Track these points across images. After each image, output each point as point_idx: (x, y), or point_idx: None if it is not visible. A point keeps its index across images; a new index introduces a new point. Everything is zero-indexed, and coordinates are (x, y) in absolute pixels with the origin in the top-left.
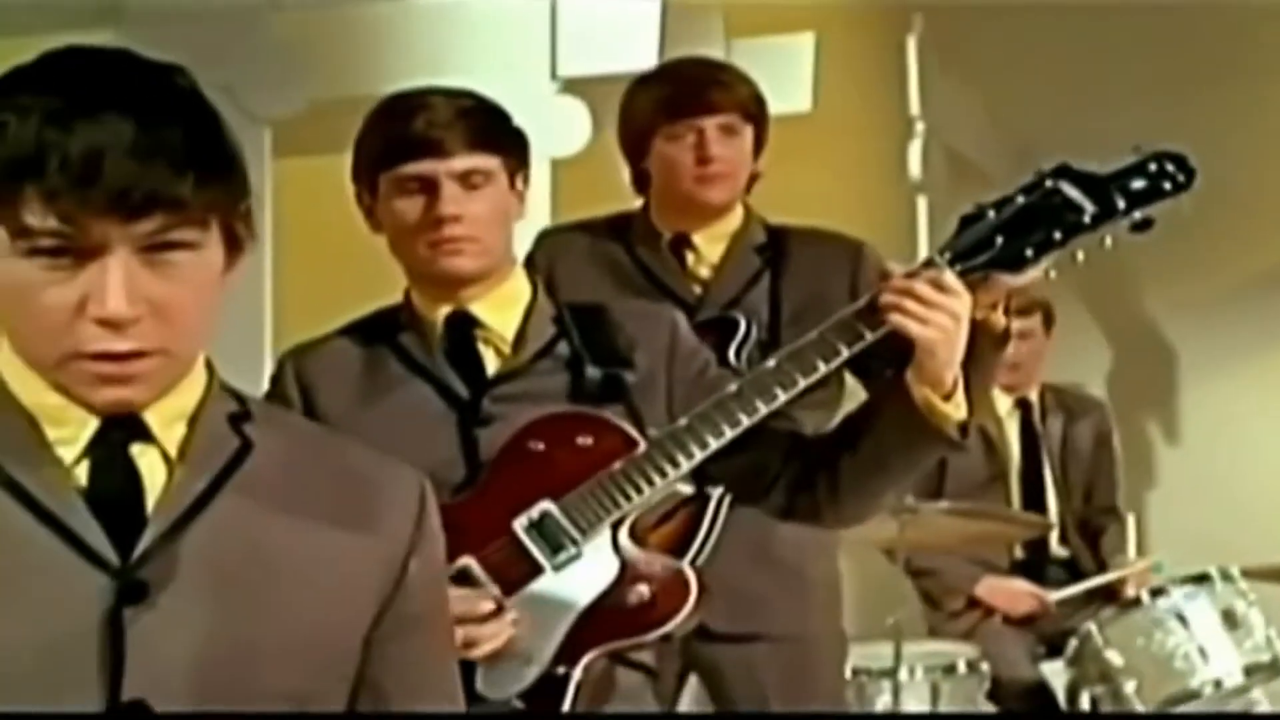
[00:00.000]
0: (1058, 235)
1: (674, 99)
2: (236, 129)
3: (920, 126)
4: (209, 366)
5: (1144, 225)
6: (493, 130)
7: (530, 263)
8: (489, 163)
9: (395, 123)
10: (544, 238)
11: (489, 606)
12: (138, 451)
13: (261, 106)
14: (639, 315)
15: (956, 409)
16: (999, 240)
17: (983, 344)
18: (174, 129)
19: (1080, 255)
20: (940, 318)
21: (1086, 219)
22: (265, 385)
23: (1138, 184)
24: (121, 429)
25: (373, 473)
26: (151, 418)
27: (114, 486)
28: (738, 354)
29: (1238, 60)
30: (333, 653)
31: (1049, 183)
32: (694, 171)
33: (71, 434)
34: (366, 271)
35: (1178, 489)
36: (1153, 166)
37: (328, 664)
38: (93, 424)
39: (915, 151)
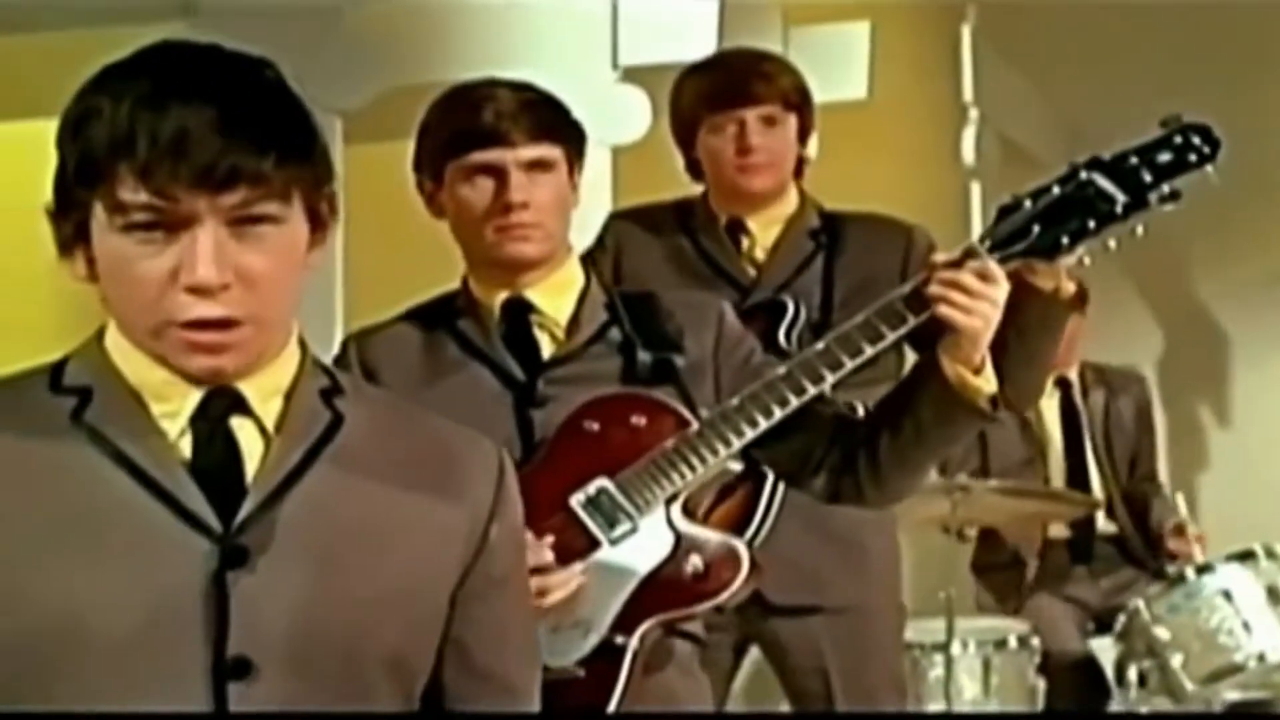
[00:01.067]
0: (1091, 224)
1: (716, 91)
2: None
3: (974, 113)
4: (303, 344)
5: (1172, 197)
6: (555, 121)
7: (600, 244)
8: (552, 152)
9: (462, 114)
10: (612, 221)
11: (550, 557)
12: (237, 425)
13: (332, 97)
14: (687, 304)
15: (986, 383)
16: (1035, 229)
17: (1056, 311)
18: (257, 111)
19: (1113, 243)
20: (984, 306)
21: (1119, 209)
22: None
23: (1164, 157)
24: (221, 402)
25: (455, 442)
26: (249, 392)
27: (215, 458)
28: (787, 336)
29: None
30: (422, 612)
31: (1083, 174)
32: (736, 161)
33: (175, 408)
34: (433, 254)
35: (1228, 470)
36: (1178, 139)
37: (417, 623)
38: (195, 398)
39: (969, 138)
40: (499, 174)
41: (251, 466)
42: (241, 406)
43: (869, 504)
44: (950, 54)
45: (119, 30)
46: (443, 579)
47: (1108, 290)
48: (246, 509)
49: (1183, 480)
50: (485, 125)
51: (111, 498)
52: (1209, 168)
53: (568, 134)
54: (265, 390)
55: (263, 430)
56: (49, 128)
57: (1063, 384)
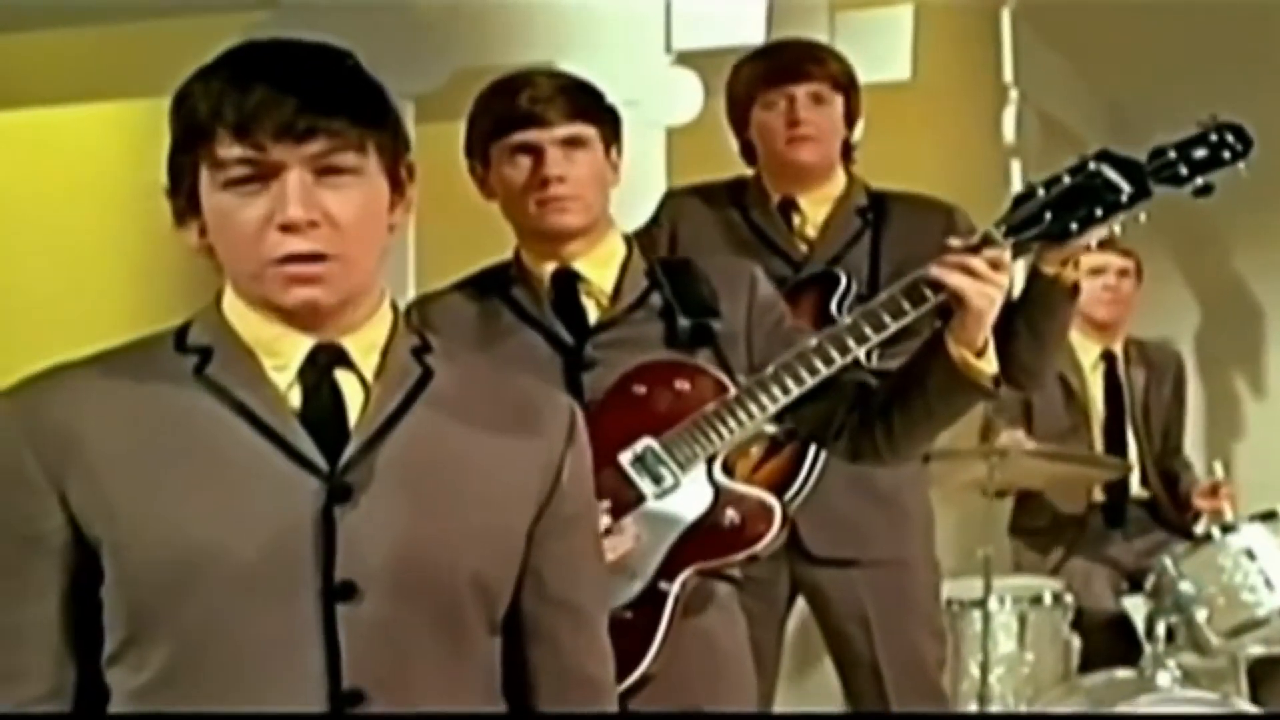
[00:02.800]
0: (1099, 212)
1: (769, 71)
2: None
3: (1014, 93)
4: (394, 307)
5: (1205, 190)
6: (588, 103)
7: (656, 220)
8: (586, 131)
9: (503, 100)
10: (668, 199)
11: (609, 519)
12: (340, 377)
13: (406, 83)
14: (721, 270)
15: (989, 364)
16: (1047, 216)
17: (1057, 297)
18: (332, 82)
19: (1118, 227)
20: (990, 290)
21: (1124, 199)
22: None
23: (1200, 153)
24: (326, 356)
25: (532, 394)
26: (350, 346)
27: (322, 406)
28: (839, 307)
29: None
30: (505, 543)
31: (1092, 165)
32: (785, 134)
33: (285, 361)
34: (499, 226)
35: (1262, 439)
36: (1214, 137)
37: (499, 553)
38: (303, 351)
39: (1010, 117)
40: (537, 152)
41: (353, 413)
42: (344, 360)
43: (885, 463)
44: (991, 35)
45: (202, 19)
46: (521, 515)
47: (1148, 265)
48: (350, 451)
49: (1219, 448)
50: (522, 108)
51: (232, 443)
52: (1241, 164)
53: (600, 115)
54: (364, 346)
55: (363, 381)
56: (152, 106)
57: (1108, 357)
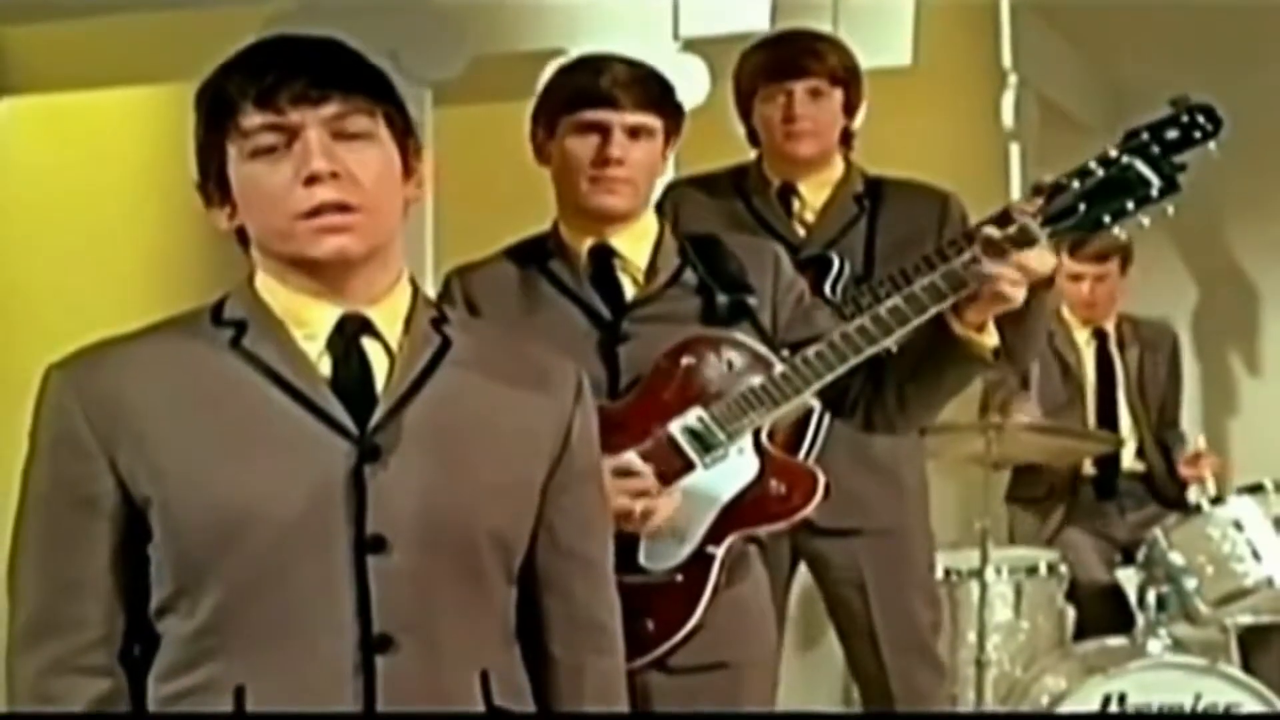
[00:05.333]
0: (1130, 206)
1: (770, 66)
2: (401, 90)
3: (1013, 78)
4: (413, 282)
5: (1179, 169)
6: (660, 96)
7: (659, 209)
8: (653, 122)
9: (583, 76)
10: (671, 187)
11: (654, 483)
12: (367, 345)
13: (423, 69)
14: (746, 247)
15: (990, 337)
16: (1082, 208)
17: (1036, 293)
18: (341, 61)
19: (1146, 221)
20: (1026, 285)
21: (1154, 193)
22: None
23: (1172, 134)
24: (353, 325)
25: (543, 358)
26: (375, 317)
27: (351, 373)
28: (833, 288)
29: None
30: (523, 498)
31: (1125, 159)
32: (783, 128)
33: (314, 331)
34: (514, 204)
35: (1257, 416)
36: (1185, 118)
37: (520, 507)
38: (331, 320)
39: (1008, 101)
40: (604, 132)
41: (380, 379)
42: (369, 329)
43: (897, 433)
44: (991, 21)
45: (233, 9)
46: (536, 471)
47: (1146, 245)
48: (378, 415)
49: (1215, 425)
50: (601, 89)
51: (268, 409)
52: (1211, 144)
53: (669, 110)
54: (387, 317)
55: (387, 350)
56: (174, 92)
57: (1100, 335)
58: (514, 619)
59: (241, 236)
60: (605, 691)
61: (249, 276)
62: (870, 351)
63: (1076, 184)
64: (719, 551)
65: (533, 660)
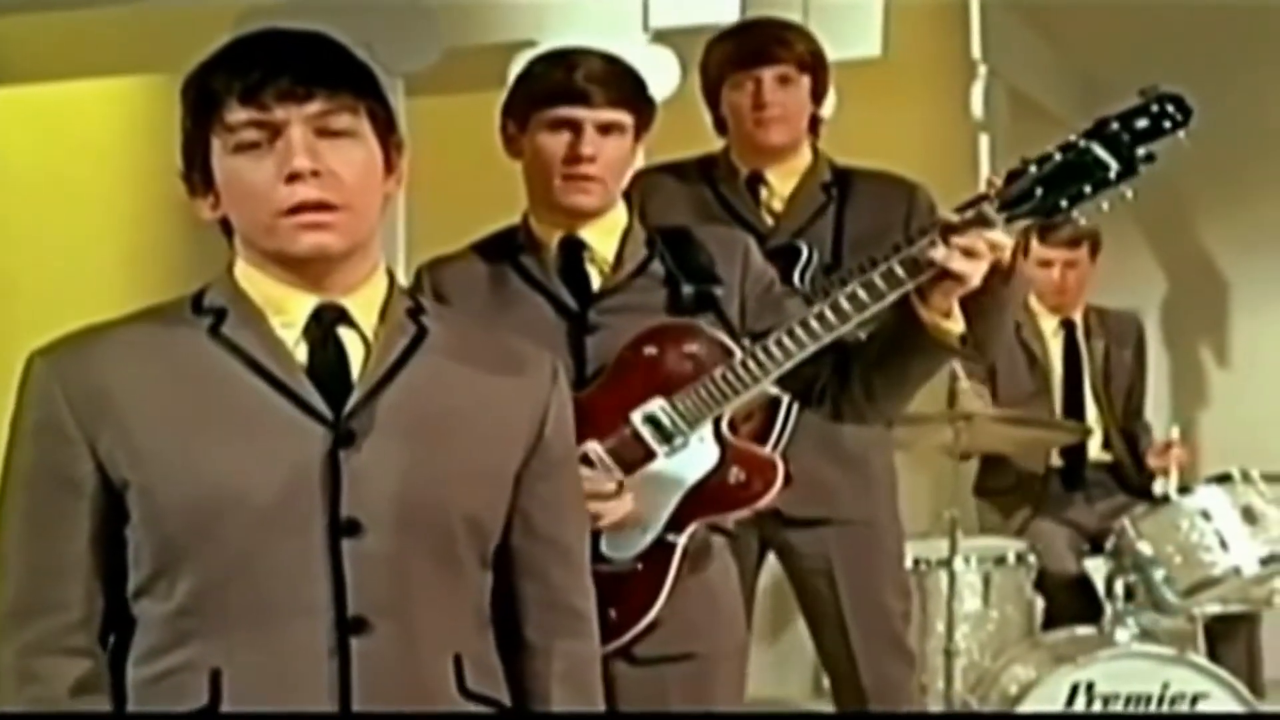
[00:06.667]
0: (1088, 190)
1: (738, 53)
2: None
3: (983, 69)
4: (389, 273)
5: (1148, 159)
6: (633, 92)
7: (627, 198)
8: (625, 118)
9: (557, 71)
10: (639, 175)
11: (613, 486)
12: (343, 334)
13: (396, 61)
14: (716, 238)
15: (956, 324)
16: (1039, 192)
17: (993, 280)
18: (324, 56)
19: (1106, 205)
20: (985, 268)
21: (1112, 176)
22: None
23: (1141, 123)
24: (330, 314)
25: (517, 348)
26: (351, 306)
27: (327, 361)
28: (801, 277)
29: None
30: (496, 484)
31: (1082, 143)
32: (752, 115)
33: (292, 319)
34: (484, 193)
35: (1226, 407)
36: (1155, 107)
37: (493, 493)
38: (308, 309)
39: (978, 92)
40: (576, 128)
41: (355, 367)
42: (345, 318)
43: (866, 422)
44: (960, 12)
45: (210, 1)
46: (511, 458)
47: (1116, 236)
48: (353, 401)
49: (1184, 415)
50: (574, 85)
51: (246, 395)
52: (1181, 134)
53: (640, 105)
54: (364, 306)
55: (363, 338)
56: (151, 83)
57: (1067, 325)
58: (488, 604)
59: (224, 226)
60: (577, 676)
61: (229, 266)
62: (829, 339)
63: (1034, 169)
64: (681, 540)
65: (507, 645)
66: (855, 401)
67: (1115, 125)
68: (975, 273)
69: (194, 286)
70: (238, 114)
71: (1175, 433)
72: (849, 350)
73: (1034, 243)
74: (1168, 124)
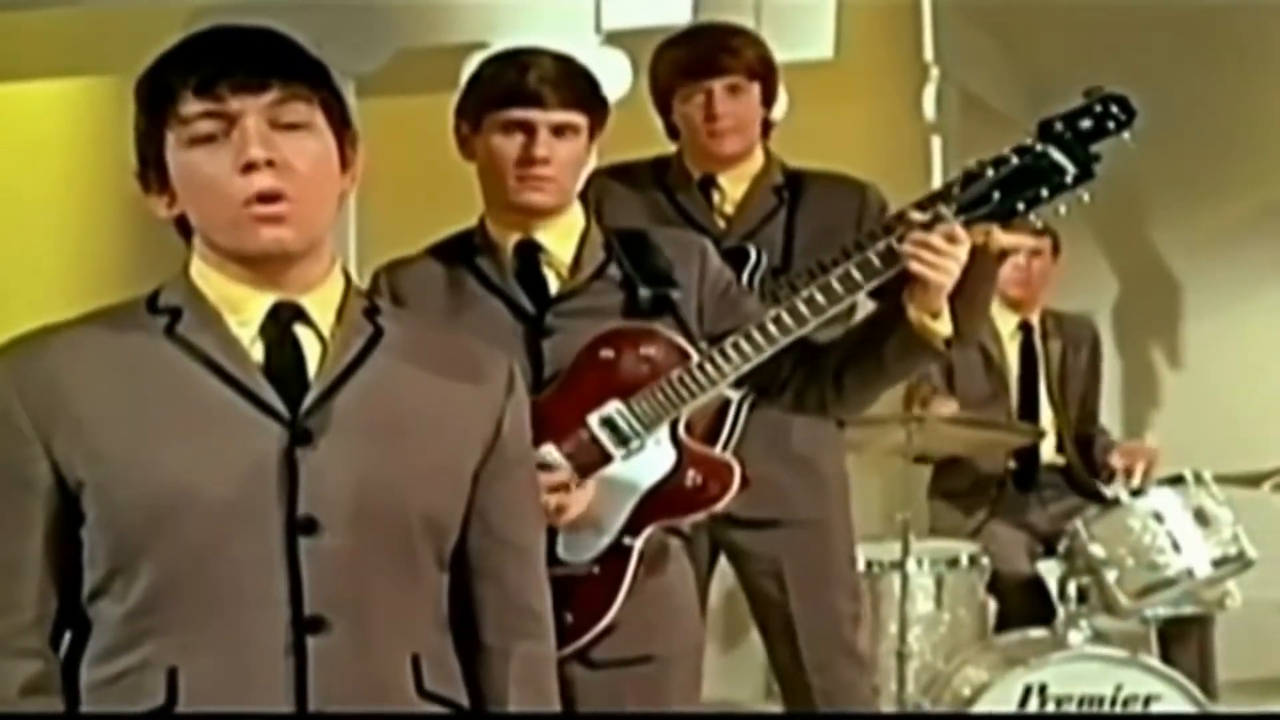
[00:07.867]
0: (1044, 193)
1: (687, 64)
2: None
3: (935, 71)
4: (346, 273)
5: (1094, 159)
6: (586, 93)
7: (582, 198)
8: (579, 119)
9: (509, 73)
10: (594, 177)
11: (567, 476)
12: (299, 332)
13: (348, 62)
14: (674, 241)
15: (944, 325)
16: (996, 195)
17: (985, 261)
18: (278, 48)
19: (1063, 209)
20: (949, 264)
21: (1068, 180)
22: None
23: (1085, 124)
24: (287, 312)
25: (474, 349)
26: (309, 304)
27: (284, 359)
28: (750, 280)
29: None
30: (454, 483)
31: (1039, 147)
32: (705, 127)
33: (248, 317)
34: (436, 195)
35: (1179, 409)
36: (1098, 108)
37: (451, 492)
38: (264, 307)
39: (930, 94)
40: (530, 130)
41: (312, 365)
42: (302, 316)
43: (828, 415)
44: (912, 14)
45: (159, 3)
46: (468, 458)
47: (1069, 240)
48: (309, 399)
49: (1137, 418)
50: (527, 87)
51: (202, 393)
52: (1126, 134)
53: (594, 106)
54: (320, 305)
55: (320, 337)
56: (104, 84)
57: (1025, 327)
58: (446, 605)
59: (180, 225)
60: (533, 677)
61: (184, 266)
62: (786, 342)
63: (991, 172)
64: (637, 543)
65: (464, 647)
66: (821, 395)
67: (1060, 125)
68: (934, 271)
69: (143, 289)
70: (192, 106)
71: (1151, 439)
72: (813, 345)
73: (996, 233)
74: (1112, 124)
